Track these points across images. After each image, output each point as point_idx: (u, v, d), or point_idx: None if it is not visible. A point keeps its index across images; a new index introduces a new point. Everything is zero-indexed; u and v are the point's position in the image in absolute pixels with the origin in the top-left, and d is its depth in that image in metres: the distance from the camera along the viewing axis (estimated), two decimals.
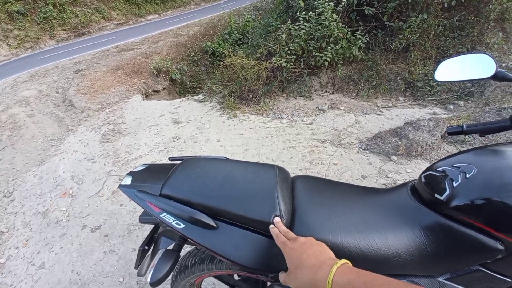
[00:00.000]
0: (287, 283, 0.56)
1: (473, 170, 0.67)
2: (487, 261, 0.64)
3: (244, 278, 1.07)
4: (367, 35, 3.31)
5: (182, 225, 0.72)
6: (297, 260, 0.54)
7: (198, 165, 0.84)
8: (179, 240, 0.84)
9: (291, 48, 3.34)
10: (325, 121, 3.09)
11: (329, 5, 3.09)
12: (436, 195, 0.69)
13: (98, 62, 6.82)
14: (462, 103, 3.05)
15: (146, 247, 0.92)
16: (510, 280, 0.65)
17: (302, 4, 3.42)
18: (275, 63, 3.29)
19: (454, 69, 0.91)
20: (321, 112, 3.27)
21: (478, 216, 0.62)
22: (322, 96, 3.59)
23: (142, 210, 0.88)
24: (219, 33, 7.19)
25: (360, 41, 3.17)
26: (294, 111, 3.34)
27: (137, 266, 0.95)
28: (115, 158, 3.05)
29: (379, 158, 2.42)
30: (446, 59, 0.92)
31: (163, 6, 17.54)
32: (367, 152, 2.52)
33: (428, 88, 3.17)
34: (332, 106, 3.34)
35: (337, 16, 3.12)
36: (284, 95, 3.67)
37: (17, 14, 11.84)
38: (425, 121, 2.53)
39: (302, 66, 3.43)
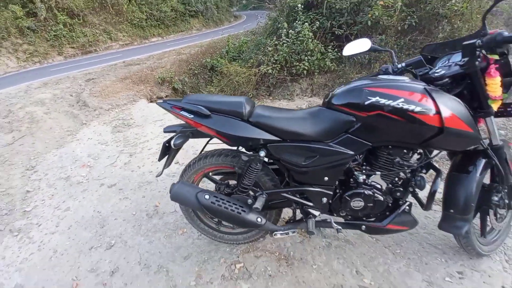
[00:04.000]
0: None
1: (342, 86, 1.30)
2: (349, 130, 1.24)
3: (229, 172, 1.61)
4: (336, 49, 4.09)
5: (192, 116, 1.31)
6: None
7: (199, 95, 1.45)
8: (189, 133, 1.41)
9: (276, 59, 4.09)
10: None
11: (305, 26, 3.89)
12: (326, 99, 1.31)
13: (107, 73, 7.54)
14: None
15: (167, 144, 1.49)
16: (366, 142, 1.24)
17: (286, 25, 4.24)
18: (263, 69, 4.02)
19: (352, 48, 1.56)
20: None
21: (343, 104, 1.23)
22: (302, 99, 4.28)
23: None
24: (218, 52, 8.07)
25: (330, 53, 3.94)
26: None
27: (160, 158, 1.51)
28: (126, 142, 3.60)
29: None
30: (348, 43, 1.59)
31: (167, 30, 18.90)
32: None
33: None
34: (310, 106, 4.02)
35: (311, 34, 3.91)
36: (271, 98, 4.36)
37: (28, 30, 12.61)
38: None
39: (285, 74, 4.16)
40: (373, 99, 1.14)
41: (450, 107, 1.11)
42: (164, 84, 6.24)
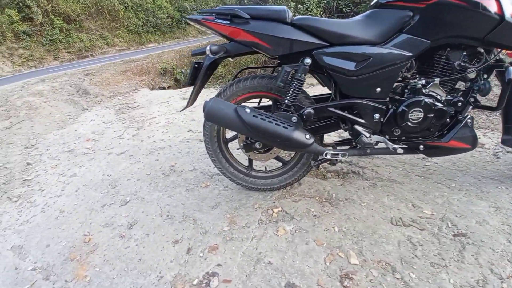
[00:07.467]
0: None
1: None
2: (405, 28, 1.11)
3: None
4: None
5: (228, 22, 1.16)
6: None
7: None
8: (224, 48, 1.25)
9: None
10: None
11: (314, 2, 3.85)
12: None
13: (106, 69, 7.39)
14: None
15: (196, 65, 1.33)
16: (425, 40, 1.11)
17: (293, 4, 4.19)
18: None
19: None
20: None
21: None
22: None
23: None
24: None
25: None
26: None
27: (189, 82, 1.35)
28: (131, 120, 3.41)
29: None
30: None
31: (163, 37, 19.00)
32: None
33: None
34: None
35: (320, 9, 3.87)
36: None
37: (23, 34, 12.50)
38: None
39: None
40: None
41: None
42: (166, 74, 6.12)
